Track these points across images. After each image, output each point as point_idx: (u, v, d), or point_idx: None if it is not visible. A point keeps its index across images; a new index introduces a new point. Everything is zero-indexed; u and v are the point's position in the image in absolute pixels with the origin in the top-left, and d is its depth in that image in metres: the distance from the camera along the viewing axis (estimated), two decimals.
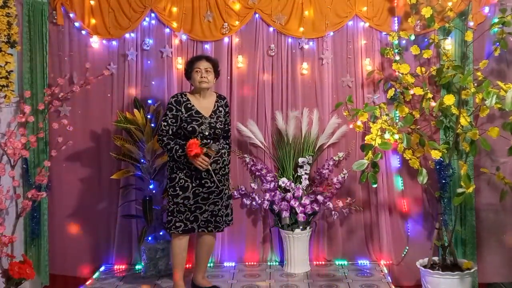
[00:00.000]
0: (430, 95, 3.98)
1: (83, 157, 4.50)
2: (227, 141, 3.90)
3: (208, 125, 3.69)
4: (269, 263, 4.49)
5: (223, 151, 3.76)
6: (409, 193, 4.40)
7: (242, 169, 4.45)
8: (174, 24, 4.41)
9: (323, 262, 4.48)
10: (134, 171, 4.34)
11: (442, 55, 4.18)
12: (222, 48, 4.45)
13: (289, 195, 4.25)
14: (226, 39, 4.45)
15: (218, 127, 3.72)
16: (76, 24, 4.43)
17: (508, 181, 3.78)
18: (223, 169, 3.76)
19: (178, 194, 3.67)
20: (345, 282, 4.06)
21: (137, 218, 4.41)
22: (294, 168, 4.36)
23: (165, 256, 4.28)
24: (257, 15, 4.43)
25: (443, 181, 4.09)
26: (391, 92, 4.18)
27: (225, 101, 3.88)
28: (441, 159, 3.96)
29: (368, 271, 4.30)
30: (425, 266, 4.02)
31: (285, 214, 4.24)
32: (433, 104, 3.91)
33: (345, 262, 4.47)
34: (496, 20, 3.95)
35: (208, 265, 4.16)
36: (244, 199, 4.43)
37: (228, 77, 4.46)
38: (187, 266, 4.14)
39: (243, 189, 4.44)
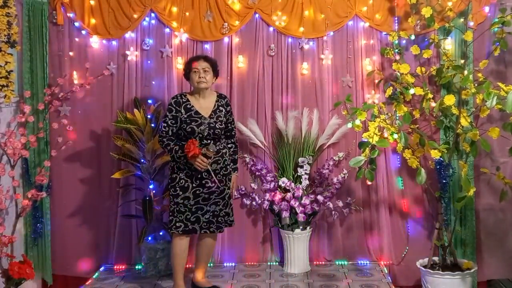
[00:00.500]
0: (430, 95, 3.98)
1: (83, 157, 4.50)
2: (231, 140, 3.89)
3: (207, 126, 3.68)
4: (269, 263, 4.50)
5: (223, 151, 3.76)
6: (409, 193, 4.40)
7: (242, 169, 4.45)
8: (174, 24, 4.41)
9: (323, 262, 4.49)
10: (134, 171, 4.34)
11: (442, 55, 4.18)
12: (222, 48, 4.45)
13: (289, 195, 4.25)
14: (226, 39, 4.45)
15: (217, 127, 3.72)
16: (76, 24, 4.43)
17: (508, 181, 3.78)
18: (224, 169, 3.76)
19: (178, 194, 3.67)
20: (345, 282, 4.06)
21: (137, 218, 4.41)
22: (294, 168, 4.36)
23: (165, 256, 4.28)
24: (257, 15, 4.43)
25: (443, 181, 4.09)
26: (389, 91, 4.18)
27: (225, 100, 3.87)
28: (441, 159, 3.96)
29: (368, 271, 4.30)
30: (425, 266, 4.02)
31: (285, 214, 4.24)
32: (433, 104, 3.91)
33: (345, 262, 4.47)
34: (496, 20, 3.95)
35: (208, 265, 4.16)
36: (244, 199, 4.43)
37: (228, 77, 4.46)
38: (187, 266, 4.14)
39: (243, 189, 4.44)
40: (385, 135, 3.85)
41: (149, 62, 4.48)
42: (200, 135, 3.66)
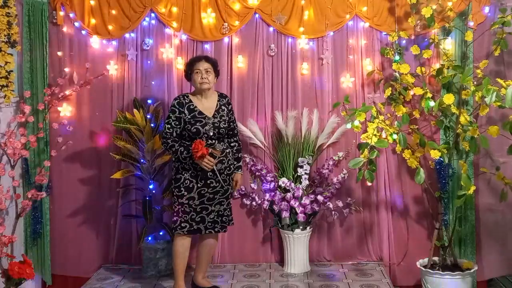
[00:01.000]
0: (429, 94, 3.98)
1: (83, 157, 4.50)
2: (234, 139, 3.90)
3: (212, 125, 3.69)
4: (269, 263, 4.50)
5: (227, 150, 3.77)
6: (409, 193, 4.40)
7: (242, 169, 4.44)
8: (174, 24, 4.41)
9: (323, 262, 4.49)
10: (134, 171, 4.33)
11: (442, 55, 4.18)
12: (222, 48, 4.45)
13: (289, 195, 4.25)
14: (226, 39, 4.45)
15: (222, 126, 3.73)
16: (76, 24, 4.43)
17: (508, 181, 3.78)
18: (228, 168, 3.77)
19: (183, 195, 3.67)
20: (345, 282, 4.06)
21: (137, 218, 4.41)
22: (294, 168, 4.36)
23: (165, 256, 4.28)
24: (257, 15, 4.43)
25: (443, 181, 4.09)
26: (388, 92, 4.18)
27: (227, 99, 3.88)
28: (441, 159, 3.96)
29: (368, 271, 4.30)
30: (425, 266, 4.02)
31: (285, 214, 4.24)
32: (432, 103, 3.91)
33: (345, 262, 4.47)
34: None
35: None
36: (244, 199, 4.43)
37: (228, 77, 4.46)
38: (191, 266, 4.14)
39: (243, 189, 4.44)
40: (384, 135, 3.84)
41: (149, 62, 4.47)
42: (206, 135, 3.66)
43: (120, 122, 4.22)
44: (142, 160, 4.28)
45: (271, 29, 4.45)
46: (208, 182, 3.68)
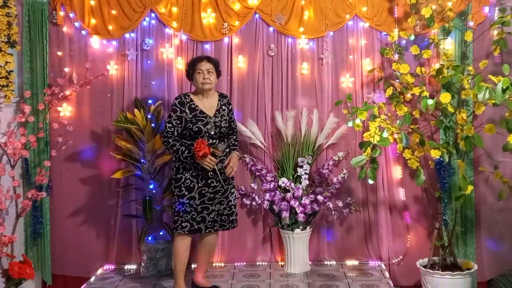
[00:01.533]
0: (426, 93, 3.97)
1: (83, 157, 4.50)
2: (234, 137, 3.91)
3: (213, 125, 3.70)
4: (269, 263, 4.50)
5: (227, 150, 3.77)
6: (409, 193, 4.40)
7: (242, 169, 4.45)
8: (174, 24, 4.41)
9: (323, 262, 4.49)
10: (134, 171, 4.34)
11: (442, 55, 4.18)
12: (222, 48, 4.45)
13: (289, 195, 4.26)
14: (226, 39, 4.45)
15: (223, 125, 3.74)
16: (76, 24, 4.43)
17: (506, 181, 3.78)
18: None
19: (184, 195, 3.67)
20: (345, 282, 4.06)
21: (137, 218, 4.41)
22: (294, 168, 4.36)
23: (165, 256, 4.28)
24: (257, 15, 4.43)
25: (443, 181, 4.09)
26: (389, 91, 4.18)
27: (227, 99, 3.89)
28: (441, 158, 3.96)
29: (368, 271, 4.30)
30: (425, 266, 4.02)
31: (285, 214, 4.24)
32: (430, 101, 3.90)
33: (345, 262, 4.47)
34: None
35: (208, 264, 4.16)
36: (244, 199, 4.44)
37: (228, 77, 4.46)
38: (191, 266, 4.14)
39: (243, 189, 4.44)
40: (385, 135, 3.84)
41: (149, 62, 4.48)
42: (207, 134, 3.67)
43: (121, 122, 4.22)
44: (142, 160, 4.28)
45: (271, 29, 4.45)
46: (209, 181, 3.68)
